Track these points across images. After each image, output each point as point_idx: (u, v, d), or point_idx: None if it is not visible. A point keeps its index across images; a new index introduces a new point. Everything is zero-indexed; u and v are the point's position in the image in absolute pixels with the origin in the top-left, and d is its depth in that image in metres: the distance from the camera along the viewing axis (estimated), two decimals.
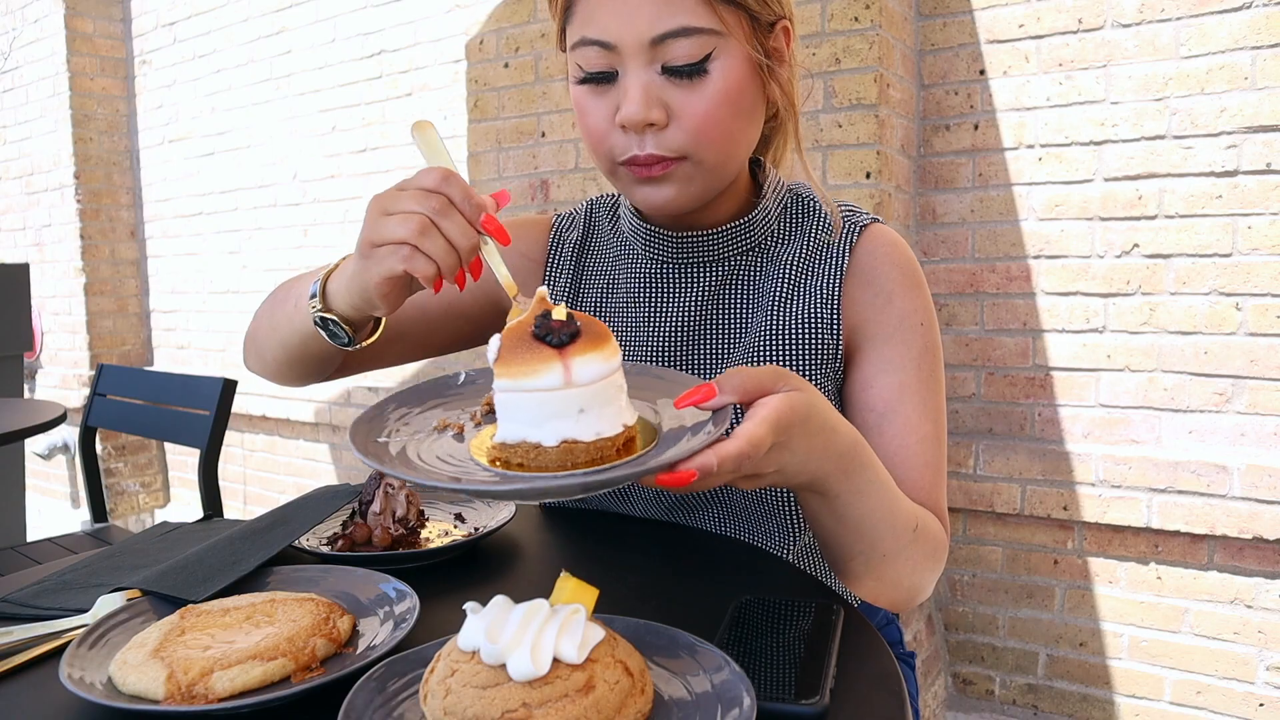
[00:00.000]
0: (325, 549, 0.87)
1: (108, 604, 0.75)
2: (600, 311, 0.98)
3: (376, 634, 0.67)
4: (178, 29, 4.24)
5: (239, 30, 3.95)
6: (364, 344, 0.83)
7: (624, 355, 0.79)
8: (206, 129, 4.15)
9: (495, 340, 0.60)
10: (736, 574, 0.80)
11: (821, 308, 0.90)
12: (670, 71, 0.78)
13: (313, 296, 0.80)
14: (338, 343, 0.81)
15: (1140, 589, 2.15)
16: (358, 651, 0.64)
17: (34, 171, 4.64)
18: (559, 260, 1.02)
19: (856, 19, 2.08)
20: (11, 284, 3.29)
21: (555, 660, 0.51)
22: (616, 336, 0.81)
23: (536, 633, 0.51)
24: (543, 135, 2.63)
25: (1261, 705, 2.02)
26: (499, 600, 0.55)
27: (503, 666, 0.51)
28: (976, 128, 2.27)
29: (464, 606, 0.54)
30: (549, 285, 1.01)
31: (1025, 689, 2.32)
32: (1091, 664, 2.23)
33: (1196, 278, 2.06)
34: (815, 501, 0.72)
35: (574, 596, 0.56)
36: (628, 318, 0.96)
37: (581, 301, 1.00)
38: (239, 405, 2.64)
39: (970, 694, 2.39)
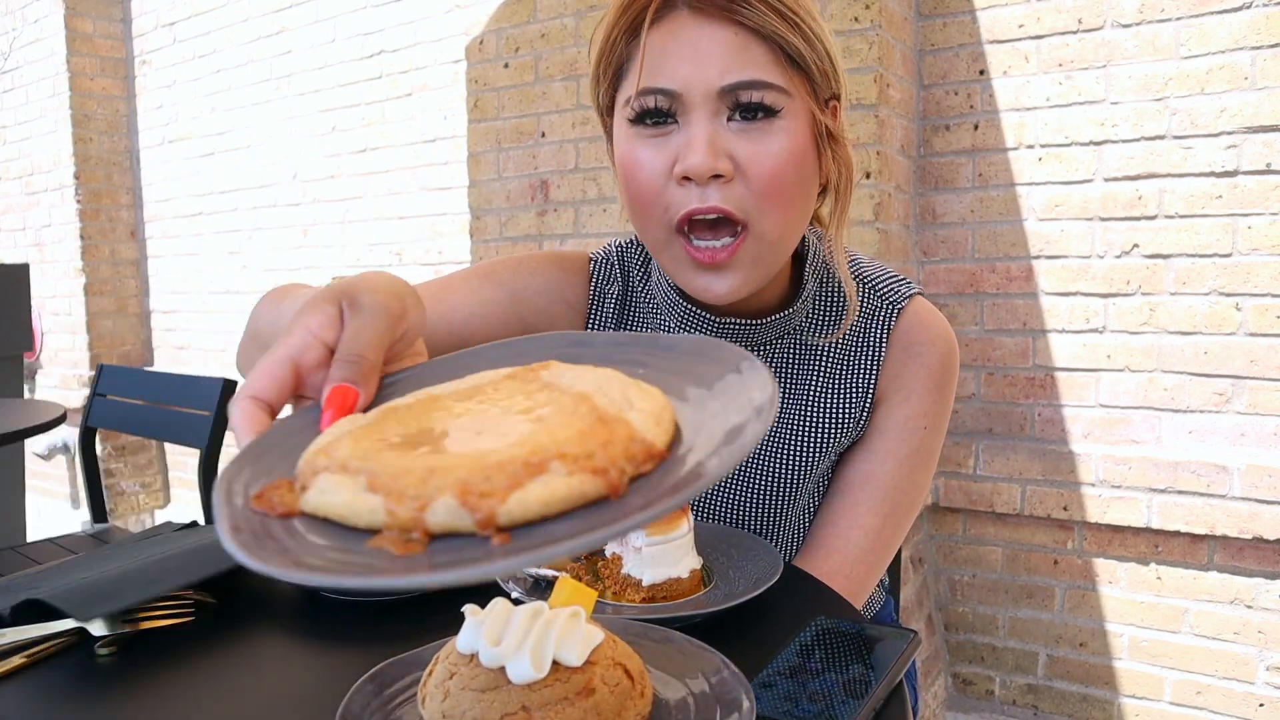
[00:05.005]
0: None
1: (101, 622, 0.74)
2: None
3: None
4: (178, 29, 4.24)
5: (239, 30, 3.95)
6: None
7: None
8: (206, 129, 4.15)
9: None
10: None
11: (854, 405, 0.90)
12: (742, 110, 0.75)
13: None
14: None
15: (1140, 589, 2.15)
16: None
17: (34, 171, 4.64)
18: (600, 318, 0.97)
19: (856, 19, 2.08)
20: (11, 284, 3.28)
21: (555, 663, 0.51)
22: None
23: (536, 635, 0.51)
24: (543, 135, 2.62)
25: (1261, 705, 2.02)
26: (498, 603, 0.55)
27: (502, 669, 0.51)
28: (976, 128, 2.27)
29: (463, 609, 0.54)
30: None
31: (1025, 689, 2.32)
32: (1091, 664, 2.23)
33: (1196, 278, 2.06)
34: None
35: (573, 599, 0.56)
36: None
37: None
38: None
39: (970, 694, 2.39)
